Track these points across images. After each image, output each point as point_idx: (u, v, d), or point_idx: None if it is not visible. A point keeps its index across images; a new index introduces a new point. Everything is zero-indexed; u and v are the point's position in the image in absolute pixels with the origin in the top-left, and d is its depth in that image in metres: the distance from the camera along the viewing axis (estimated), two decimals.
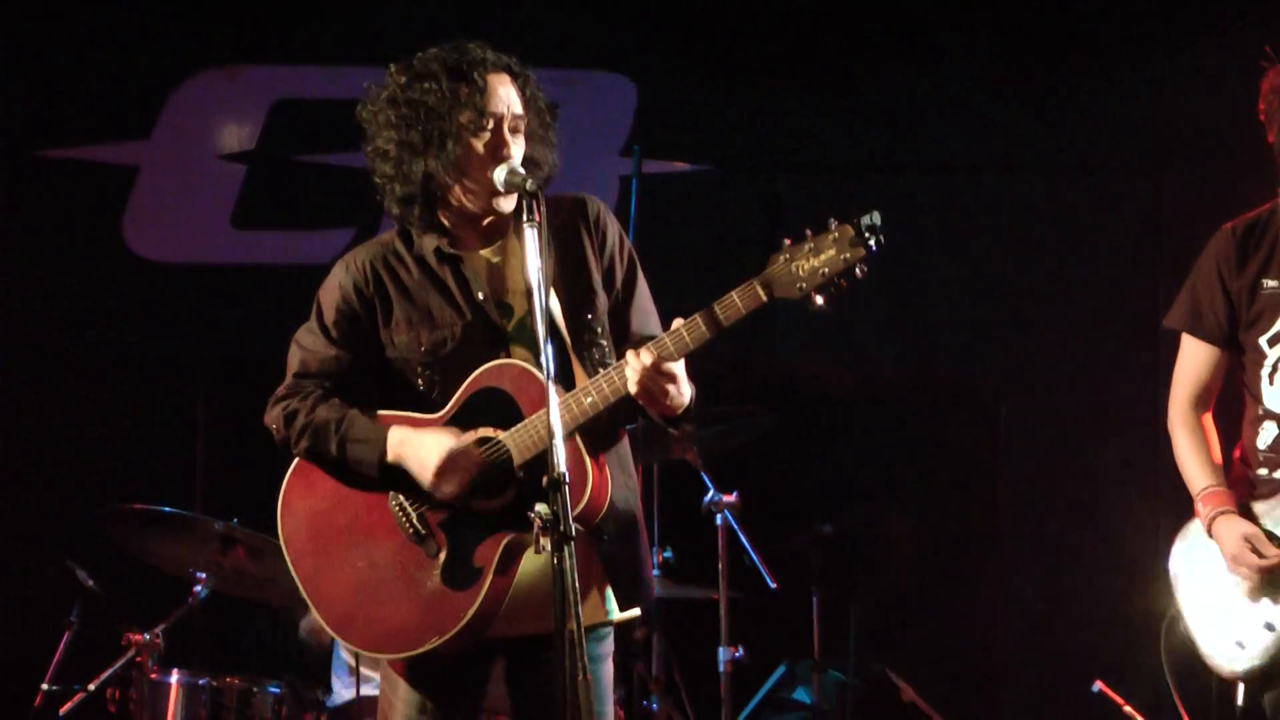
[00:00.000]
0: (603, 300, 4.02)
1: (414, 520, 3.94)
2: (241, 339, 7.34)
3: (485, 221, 4.01)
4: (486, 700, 4.07)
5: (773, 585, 6.26)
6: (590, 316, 3.99)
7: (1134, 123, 7.51)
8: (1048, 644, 7.44)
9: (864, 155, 7.62)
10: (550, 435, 3.57)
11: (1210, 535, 4.60)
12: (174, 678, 5.78)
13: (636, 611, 4.04)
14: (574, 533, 3.53)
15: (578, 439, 3.83)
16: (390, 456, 3.91)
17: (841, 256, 3.68)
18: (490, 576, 3.86)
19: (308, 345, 4.06)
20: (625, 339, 3.97)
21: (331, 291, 4.06)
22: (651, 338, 3.84)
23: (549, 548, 3.52)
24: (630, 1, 7.60)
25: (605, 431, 3.94)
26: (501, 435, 3.87)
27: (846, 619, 6.76)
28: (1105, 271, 7.49)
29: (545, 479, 3.55)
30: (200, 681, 5.79)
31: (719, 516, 6.20)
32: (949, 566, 7.59)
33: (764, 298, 3.72)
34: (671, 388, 3.78)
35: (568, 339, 3.97)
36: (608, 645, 4.03)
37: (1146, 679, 5.31)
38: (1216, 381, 4.74)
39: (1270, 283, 4.59)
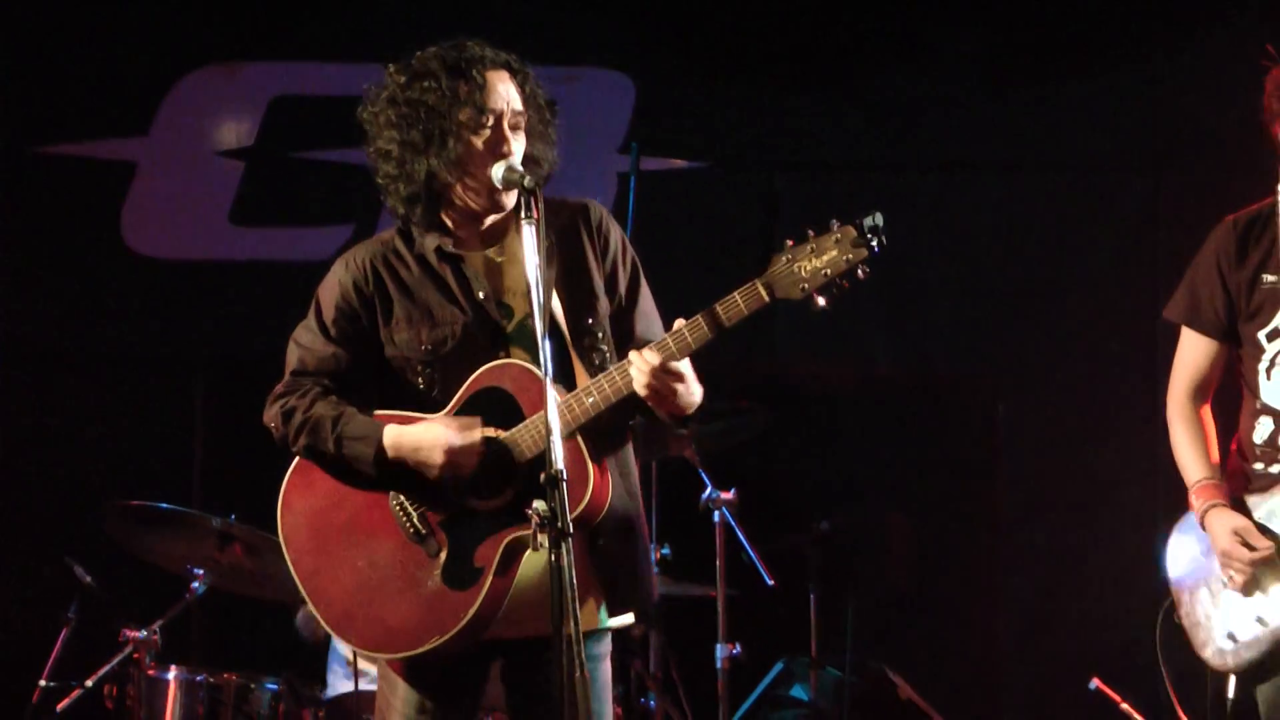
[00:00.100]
0: (604, 305, 4.01)
1: (414, 520, 3.94)
2: (240, 336, 7.34)
3: (487, 221, 4.01)
4: (485, 699, 4.07)
5: (770, 583, 6.27)
6: (591, 320, 3.98)
7: (1132, 121, 7.51)
8: (1045, 641, 7.44)
9: (862, 153, 7.62)
10: (548, 431, 3.57)
11: (1203, 527, 4.61)
12: (171, 674, 5.78)
13: (630, 619, 4.03)
14: (571, 530, 3.53)
15: (579, 440, 3.82)
16: (390, 453, 3.90)
17: (844, 257, 3.69)
18: (490, 577, 3.85)
19: (306, 343, 4.05)
20: (629, 344, 3.95)
21: (331, 289, 4.05)
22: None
23: (546, 544, 3.52)
24: None
25: (608, 435, 3.93)
26: (502, 435, 3.87)
27: (844, 616, 6.75)
28: (1104, 270, 7.49)
29: (543, 475, 3.56)
30: (198, 678, 5.80)
31: (717, 514, 6.21)
32: (947, 564, 7.59)
33: (766, 298, 3.73)
34: (680, 387, 3.79)
35: (569, 341, 3.96)
36: (606, 644, 4.03)
37: (1144, 677, 5.31)
38: (1215, 374, 4.74)
39: (1270, 278, 4.59)
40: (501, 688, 4.05)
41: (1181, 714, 4.97)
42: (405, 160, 3.93)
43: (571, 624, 3.48)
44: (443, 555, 3.90)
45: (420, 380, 3.98)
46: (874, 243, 3.67)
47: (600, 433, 3.87)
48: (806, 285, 3.70)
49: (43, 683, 5.89)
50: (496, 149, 3.91)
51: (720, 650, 6.16)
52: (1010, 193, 7.58)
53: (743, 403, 6.47)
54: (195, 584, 5.89)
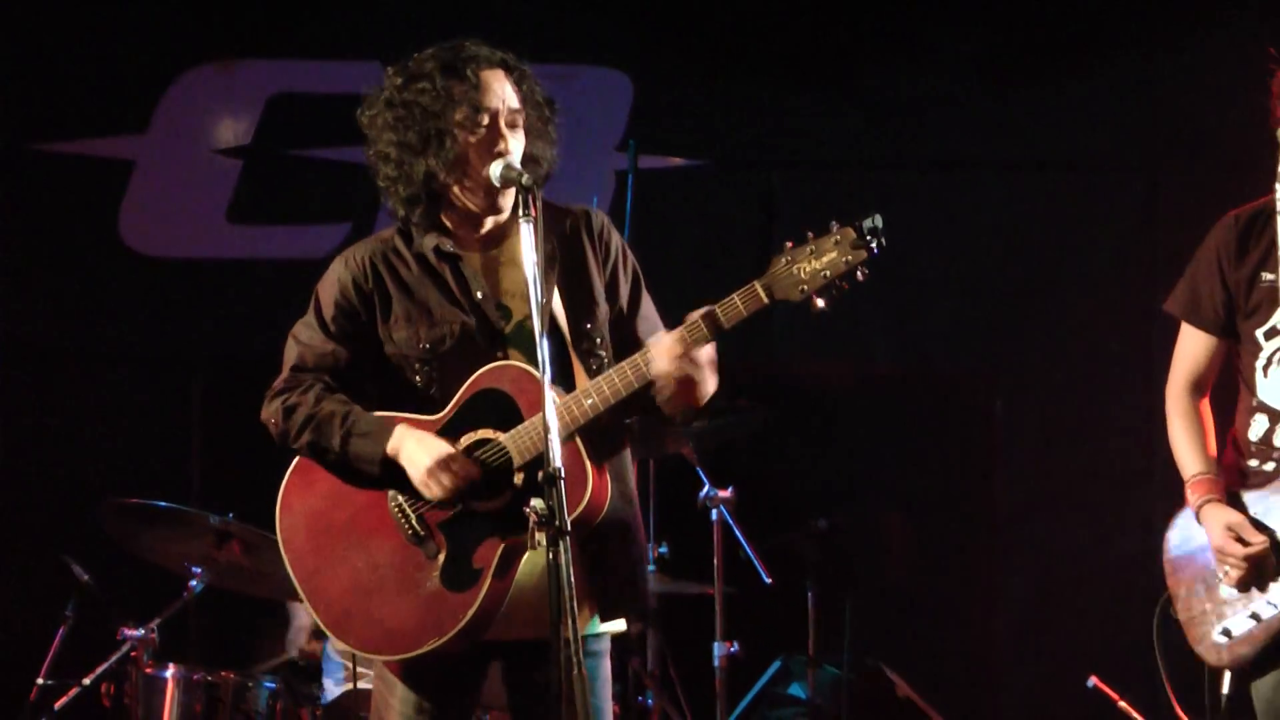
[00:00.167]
0: (604, 310, 4.01)
1: (413, 521, 3.93)
2: (237, 334, 7.34)
3: (487, 224, 4.00)
4: (484, 698, 4.07)
5: (768, 580, 6.27)
6: (590, 325, 3.98)
7: (1129, 120, 7.51)
8: (1043, 639, 7.45)
9: (860, 152, 7.62)
10: (546, 430, 3.57)
11: (1199, 522, 4.61)
12: (169, 672, 5.77)
13: (622, 625, 4.03)
14: (569, 529, 3.53)
15: (578, 442, 3.82)
16: (390, 451, 3.89)
17: (843, 259, 3.69)
18: (489, 578, 3.85)
19: (305, 340, 4.05)
20: (631, 350, 3.94)
21: (330, 287, 4.05)
22: None
23: (544, 543, 3.52)
24: None
25: (606, 438, 3.93)
26: (501, 437, 3.87)
27: (842, 614, 6.75)
28: (1101, 268, 7.50)
29: (541, 473, 3.56)
30: (195, 676, 5.79)
31: (714, 511, 6.21)
32: (945, 561, 7.59)
33: (765, 300, 3.73)
34: (700, 374, 3.79)
35: (569, 344, 3.96)
36: (605, 642, 4.03)
37: (1142, 674, 5.31)
38: (1213, 369, 4.74)
39: (1268, 276, 4.58)
40: (502, 688, 4.05)
41: (1179, 711, 4.97)
42: (403, 162, 3.93)
43: (570, 622, 3.48)
44: (441, 556, 3.90)
45: (419, 378, 3.98)
46: (873, 244, 3.67)
47: (599, 435, 3.87)
48: (805, 287, 3.70)
49: (40, 681, 5.87)
50: (493, 148, 3.90)
51: (718, 648, 6.16)
52: (1009, 192, 7.58)
53: (741, 400, 6.47)
54: (193, 582, 5.88)
